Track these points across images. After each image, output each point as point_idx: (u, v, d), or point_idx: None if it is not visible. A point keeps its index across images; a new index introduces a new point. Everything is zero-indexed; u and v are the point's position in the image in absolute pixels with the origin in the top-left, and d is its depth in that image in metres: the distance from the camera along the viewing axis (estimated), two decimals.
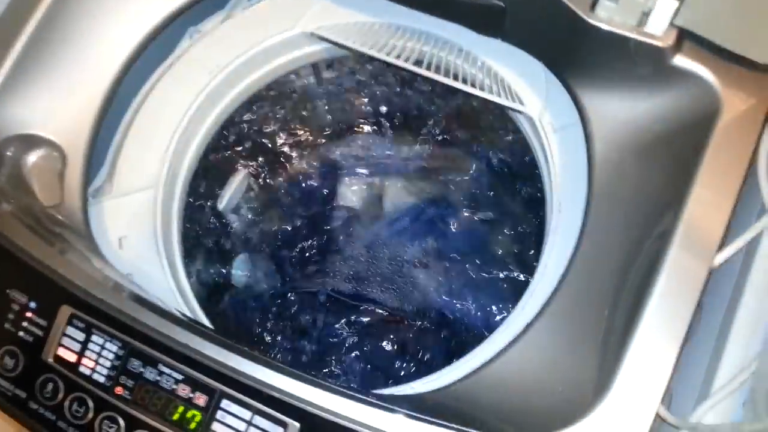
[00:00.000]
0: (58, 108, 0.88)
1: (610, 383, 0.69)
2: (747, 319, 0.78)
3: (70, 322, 0.72)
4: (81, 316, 0.72)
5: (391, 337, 1.24)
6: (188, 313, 0.88)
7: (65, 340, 0.72)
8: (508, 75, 0.98)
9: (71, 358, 0.72)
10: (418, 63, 0.97)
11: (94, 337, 0.71)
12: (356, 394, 0.67)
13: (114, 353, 0.70)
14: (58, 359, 0.72)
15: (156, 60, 1.00)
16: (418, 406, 0.69)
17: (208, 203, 1.18)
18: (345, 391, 0.67)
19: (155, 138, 0.98)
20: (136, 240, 0.92)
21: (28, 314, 0.74)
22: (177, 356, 0.69)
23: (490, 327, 1.23)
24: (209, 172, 1.16)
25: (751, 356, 0.77)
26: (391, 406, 0.66)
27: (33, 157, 0.85)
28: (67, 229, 0.82)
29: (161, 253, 0.92)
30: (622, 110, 0.84)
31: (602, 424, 0.67)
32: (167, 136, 0.98)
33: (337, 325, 1.25)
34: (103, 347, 0.71)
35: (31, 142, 0.86)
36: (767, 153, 0.80)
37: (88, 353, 0.71)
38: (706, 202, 0.74)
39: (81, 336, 0.71)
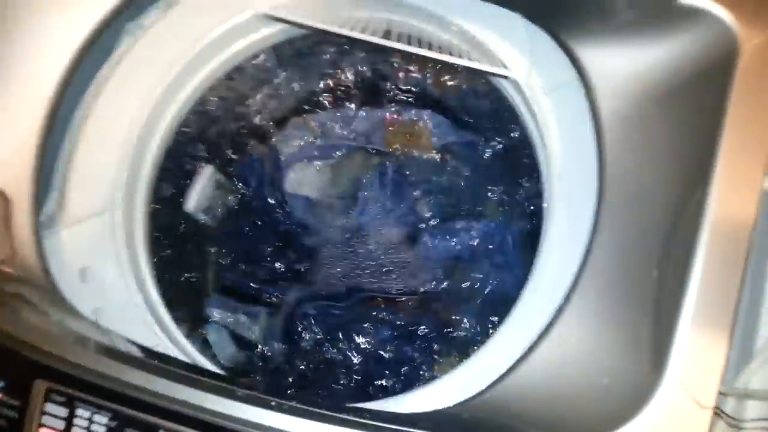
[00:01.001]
0: None
1: (666, 359, 0.62)
2: None
3: (48, 398, 0.62)
4: (60, 389, 0.62)
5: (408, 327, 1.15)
6: (171, 348, 0.80)
7: (46, 419, 0.62)
8: (486, 36, 0.88)
9: None
10: (386, 35, 0.87)
11: (79, 411, 0.62)
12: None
13: (105, 426, 0.61)
14: None
15: (95, 65, 0.87)
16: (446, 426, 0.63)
17: (174, 209, 1.07)
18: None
19: (106, 152, 0.87)
20: (99, 269, 0.83)
21: None
22: (180, 418, 0.60)
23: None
24: (173, 176, 1.05)
25: None
26: None
27: None
28: (24, 284, 0.71)
29: (129, 281, 0.83)
30: (627, 62, 0.76)
31: (664, 413, 0.61)
32: (119, 148, 0.87)
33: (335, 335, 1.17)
34: (91, 421, 0.61)
35: None
36: None
37: (75, 430, 0.62)
38: (740, 148, 0.67)
39: (63, 412, 0.62)
